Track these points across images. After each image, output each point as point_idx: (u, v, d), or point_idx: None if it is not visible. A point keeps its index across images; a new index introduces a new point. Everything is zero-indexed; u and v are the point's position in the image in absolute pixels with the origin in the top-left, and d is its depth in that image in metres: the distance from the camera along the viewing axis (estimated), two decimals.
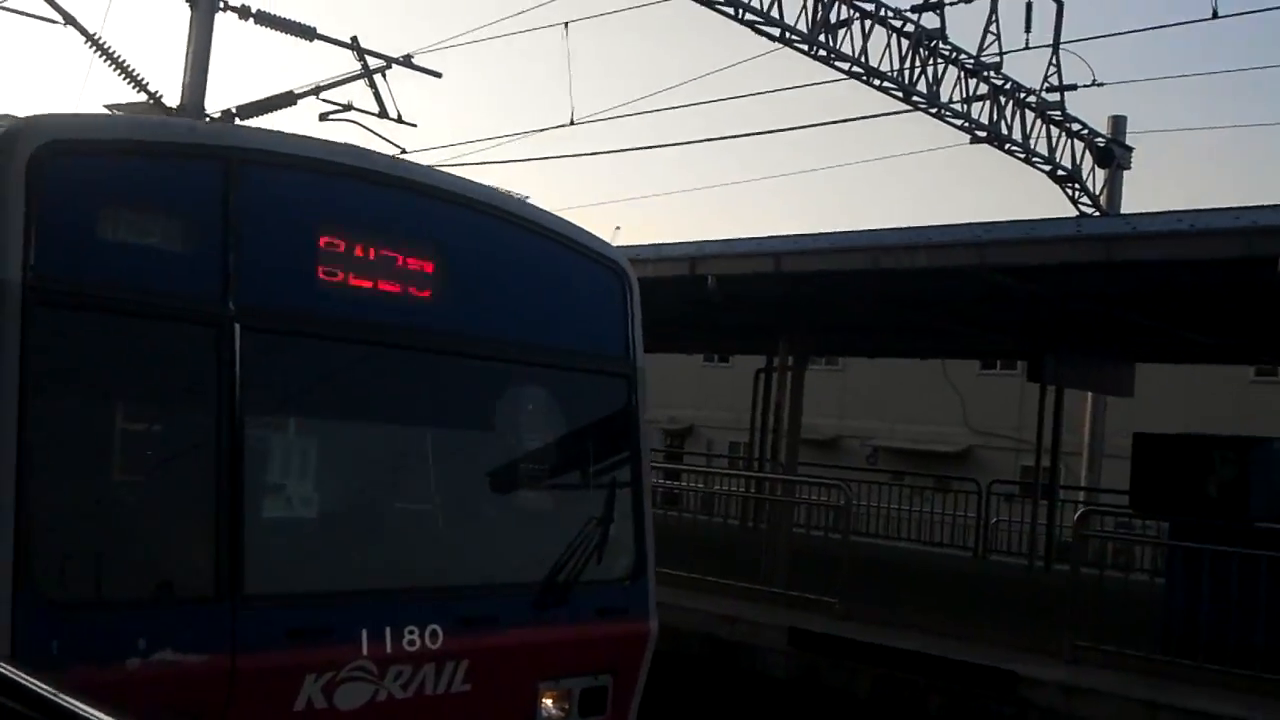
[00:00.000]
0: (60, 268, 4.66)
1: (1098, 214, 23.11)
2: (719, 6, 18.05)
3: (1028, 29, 21.74)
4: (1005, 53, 21.43)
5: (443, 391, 6.12)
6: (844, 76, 19.94)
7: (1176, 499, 11.01)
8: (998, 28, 21.34)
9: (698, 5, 17.99)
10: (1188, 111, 52.90)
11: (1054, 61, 22.41)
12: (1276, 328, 14.17)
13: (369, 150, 5.92)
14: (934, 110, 20.99)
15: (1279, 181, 56.45)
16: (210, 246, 5.08)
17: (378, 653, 5.25)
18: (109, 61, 12.74)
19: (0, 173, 4.58)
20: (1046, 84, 22.55)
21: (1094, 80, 22.98)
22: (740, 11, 18.16)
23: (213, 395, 5.04)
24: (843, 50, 19.41)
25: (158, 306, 4.90)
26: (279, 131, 5.49)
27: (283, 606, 5.08)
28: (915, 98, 20.59)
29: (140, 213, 4.92)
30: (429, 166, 6.14)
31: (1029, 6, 21.53)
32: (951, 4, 20.50)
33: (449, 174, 6.18)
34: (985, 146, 22.14)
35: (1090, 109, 27.61)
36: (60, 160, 4.72)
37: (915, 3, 20.34)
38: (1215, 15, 18.32)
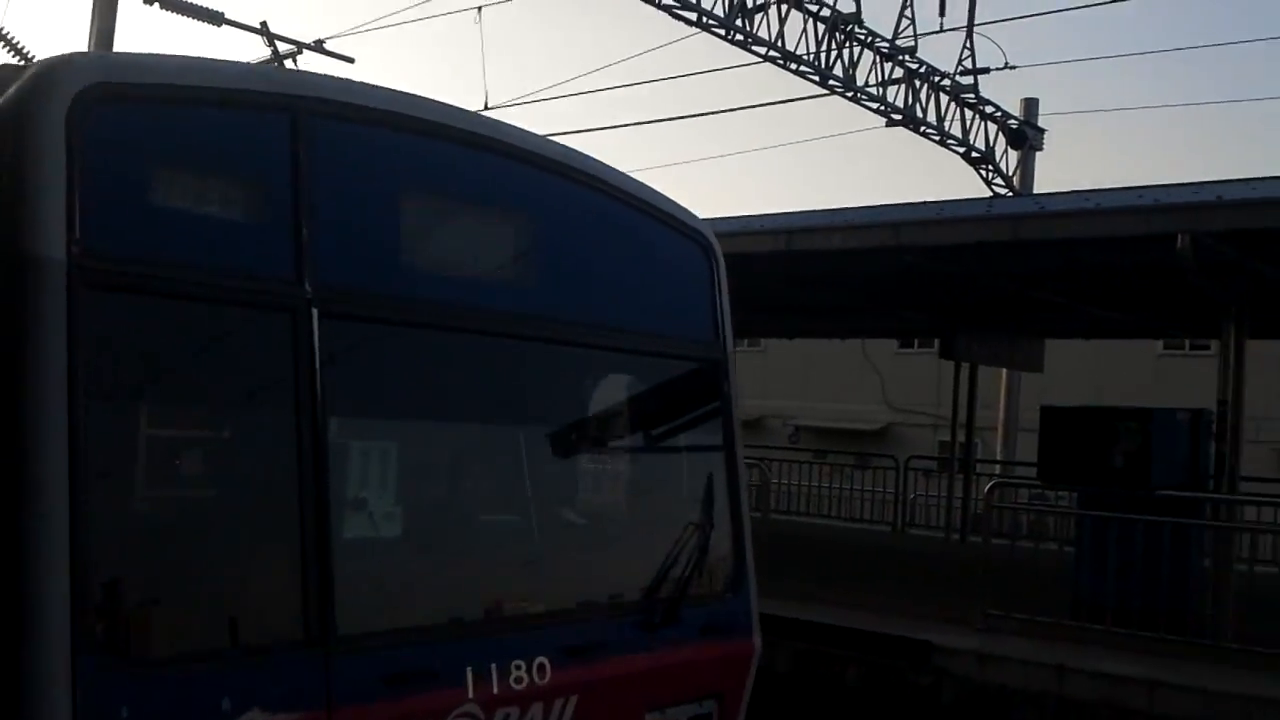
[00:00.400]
0: (110, 242, 3.81)
1: (1011, 195, 23.60)
2: None
3: (942, 12, 22.15)
4: (920, 35, 21.81)
5: (537, 386, 5.43)
6: (761, 60, 20.12)
7: (1083, 469, 11.37)
8: (912, 11, 21.70)
9: None
10: (1098, 93, 54.10)
11: (968, 45, 22.83)
12: (1179, 303, 14.62)
13: (451, 105, 5.06)
14: (850, 94, 21.27)
15: (1185, 161, 57.95)
16: (280, 216, 4.28)
17: (484, 694, 4.58)
18: (9, 49, 12.54)
19: (36, 122, 3.72)
20: (960, 67, 22.96)
21: (1006, 63, 23.47)
22: None
23: (289, 396, 4.22)
24: (760, 34, 19.58)
25: (224, 289, 4.07)
26: (346, 79, 4.70)
27: (380, 649, 4.34)
28: (832, 81, 20.84)
29: (199, 175, 4.12)
30: (513, 125, 5.40)
31: None
32: None
33: (534, 133, 5.42)
34: (902, 129, 22.50)
35: (1003, 92, 28.22)
36: (107, 108, 3.85)
37: None
38: None
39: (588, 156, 5.53)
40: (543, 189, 5.27)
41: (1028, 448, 21.24)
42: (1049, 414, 11.89)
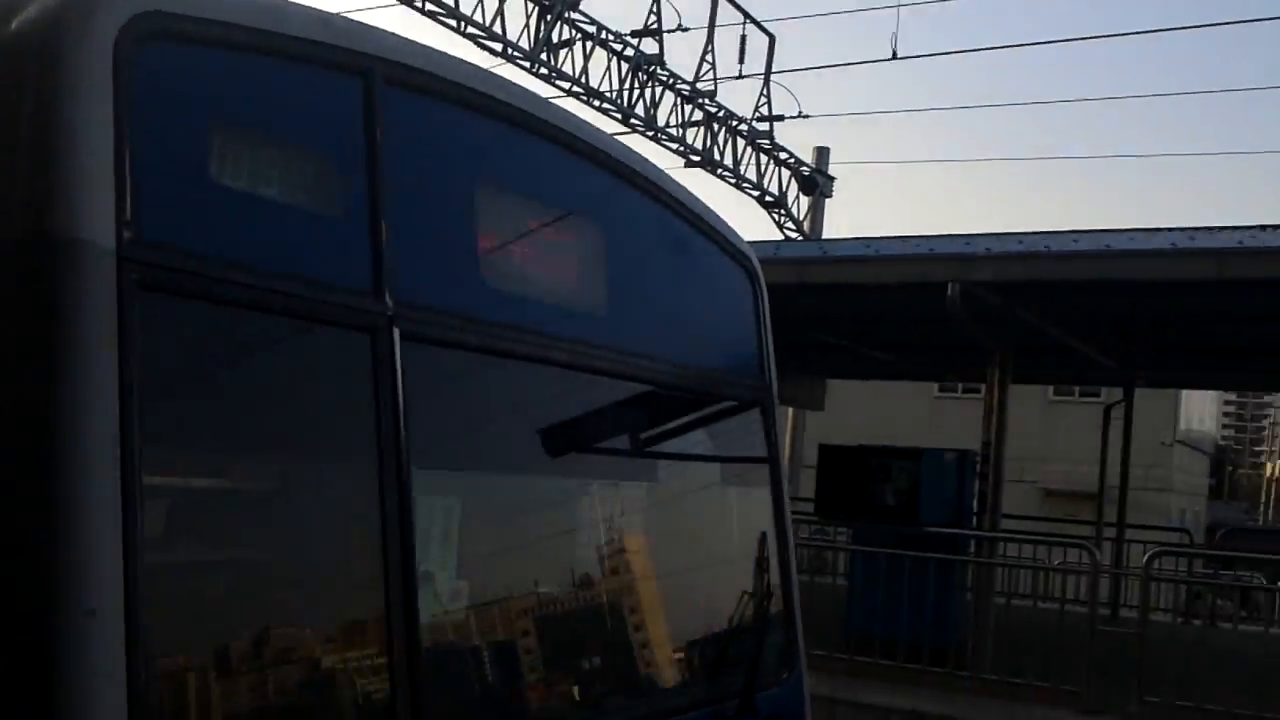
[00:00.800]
0: (166, 230, 2.80)
1: (801, 239, 24.43)
2: (441, 19, 18.04)
3: (741, 60, 22.81)
4: (720, 80, 22.40)
5: (607, 433, 4.70)
6: (565, 95, 20.31)
7: (857, 506, 11.81)
8: (713, 57, 22.26)
9: (420, 16, 17.95)
10: (884, 146, 56.69)
11: (764, 92, 23.57)
12: (951, 348, 15.37)
13: (526, 89, 4.22)
14: (651, 133, 21.66)
15: (960, 212, 61.28)
16: (355, 209, 3.37)
17: None
18: None
19: (73, 55, 2.68)
20: (757, 113, 23.68)
21: (800, 112, 24.33)
22: (463, 25, 18.21)
23: (369, 438, 3.27)
24: (564, 70, 19.77)
25: (295, 299, 3.09)
26: (416, 41, 3.75)
27: None
28: (634, 120, 21.20)
29: (266, 148, 3.18)
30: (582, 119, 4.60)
31: (743, 39, 22.58)
32: (670, 32, 21.26)
33: (604, 131, 4.62)
34: (700, 170, 23.04)
35: (796, 139, 29.55)
36: (163, 46, 2.85)
37: (635, 28, 20.98)
38: (895, 56, 19.77)
39: (647, 160, 4.81)
40: (618, 199, 4.56)
41: (811, 484, 21.97)
42: (826, 452, 12.33)
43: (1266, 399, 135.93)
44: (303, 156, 3.28)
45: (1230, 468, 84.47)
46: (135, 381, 2.63)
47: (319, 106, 3.34)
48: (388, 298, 3.32)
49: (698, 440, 5.28)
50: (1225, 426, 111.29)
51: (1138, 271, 11.83)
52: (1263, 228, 14.76)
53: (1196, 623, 15.02)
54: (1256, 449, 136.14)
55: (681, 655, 4.82)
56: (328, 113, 3.37)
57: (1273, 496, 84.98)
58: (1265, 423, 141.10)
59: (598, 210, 4.48)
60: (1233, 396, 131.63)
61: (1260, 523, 60.75)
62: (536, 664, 4.16)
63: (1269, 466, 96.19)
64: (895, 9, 20.58)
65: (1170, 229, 14.70)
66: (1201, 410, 44.34)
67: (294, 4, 3.42)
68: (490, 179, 3.95)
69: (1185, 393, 35.87)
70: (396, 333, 3.31)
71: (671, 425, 5.08)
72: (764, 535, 4.99)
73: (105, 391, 2.59)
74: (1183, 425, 38.50)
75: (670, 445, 5.17)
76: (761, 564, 4.87)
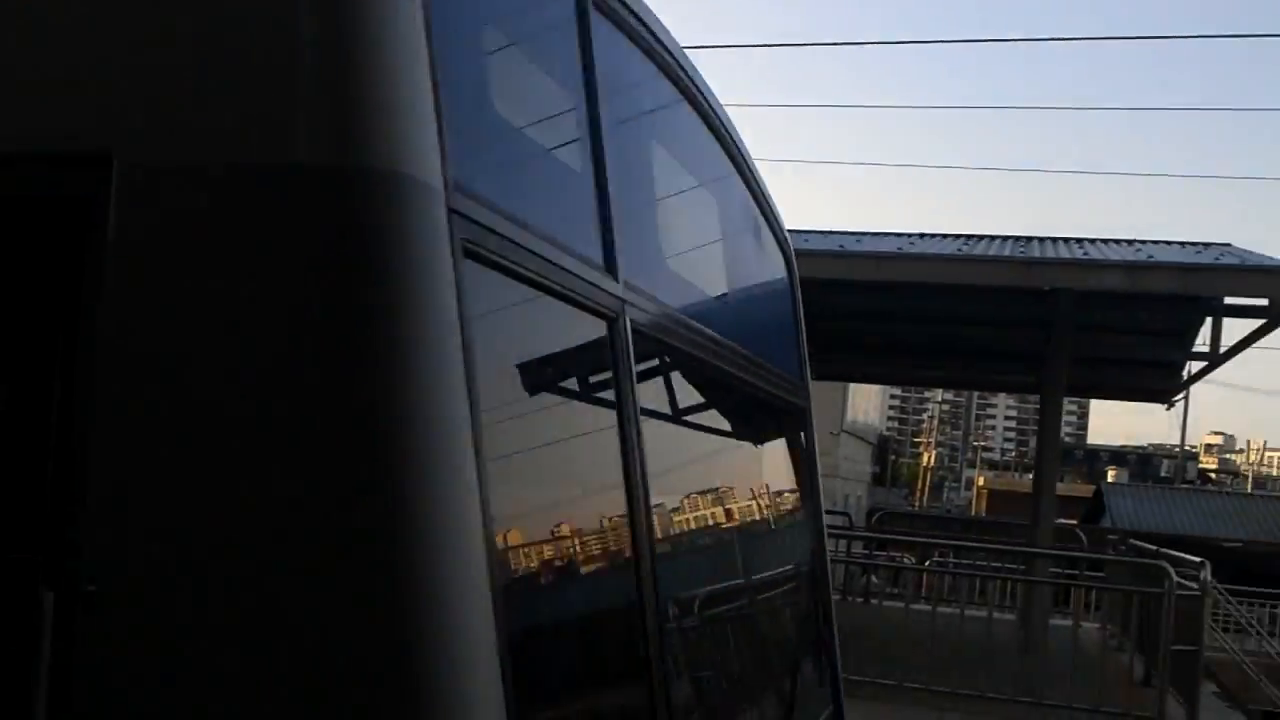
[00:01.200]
0: (476, 177, 2.07)
1: None
2: None
3: None
4: None
5: (738, 441, 4.13)
6: None
7: None
8: None
9: None
10: None
11: None
12: None
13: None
14: None
15: None
16: (582, 160, 2.66)
17: None
18: None
19: None
20: None
21: None
22: None
23: (611, 445, 2.63)
24: None
25: (561, 272, 2.37)
26: None
27: None
28: None
29: (520, 76, 2.51)
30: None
31: None
32: None
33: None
34: None
35: None
36: None
37: None
38: None
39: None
40: (735, 187, 4.02)
41: None
42: None
43: (926, 394, 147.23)
44: (541, 89, 2.60)
45: (892, 456, 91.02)
46: (479, 382, 1.92)
47: (550, 30, 2.67)
48: (621, 278, 2.65)
49: (770, 449, 4.68)
50: (889, 419, 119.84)
51: (808, 269, 12.55)
52: (921, 235, 16.03)
53: (851, 599, 16.17)
54: (916, 440, 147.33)
55: (778, 689, 4.34)
56: (555, 39, 2.67)
57: (928, 483, 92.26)
58: (924, 416, 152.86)
59: (725, 193, 3.99)
60: (897, 391, 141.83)
61: (914, 507, 65.85)
62: (758, 686, 3.77)
63: (925, 456, 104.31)
64: None
65: (842, 232, 15.74)
66: (867, 403, 47.57)
67: None
68: (667, 144, 3.36)
69: (853, 386, 38.41)
70: (628, 322, 2.66)
71: (761, 435, 4.47)
72: (812, 556, 4.56)
73: (457, 395, 1.87)
74: (850, 416, 41.19)
75: (766, 455, 4.57)
76: (810, 592, 4.43)
